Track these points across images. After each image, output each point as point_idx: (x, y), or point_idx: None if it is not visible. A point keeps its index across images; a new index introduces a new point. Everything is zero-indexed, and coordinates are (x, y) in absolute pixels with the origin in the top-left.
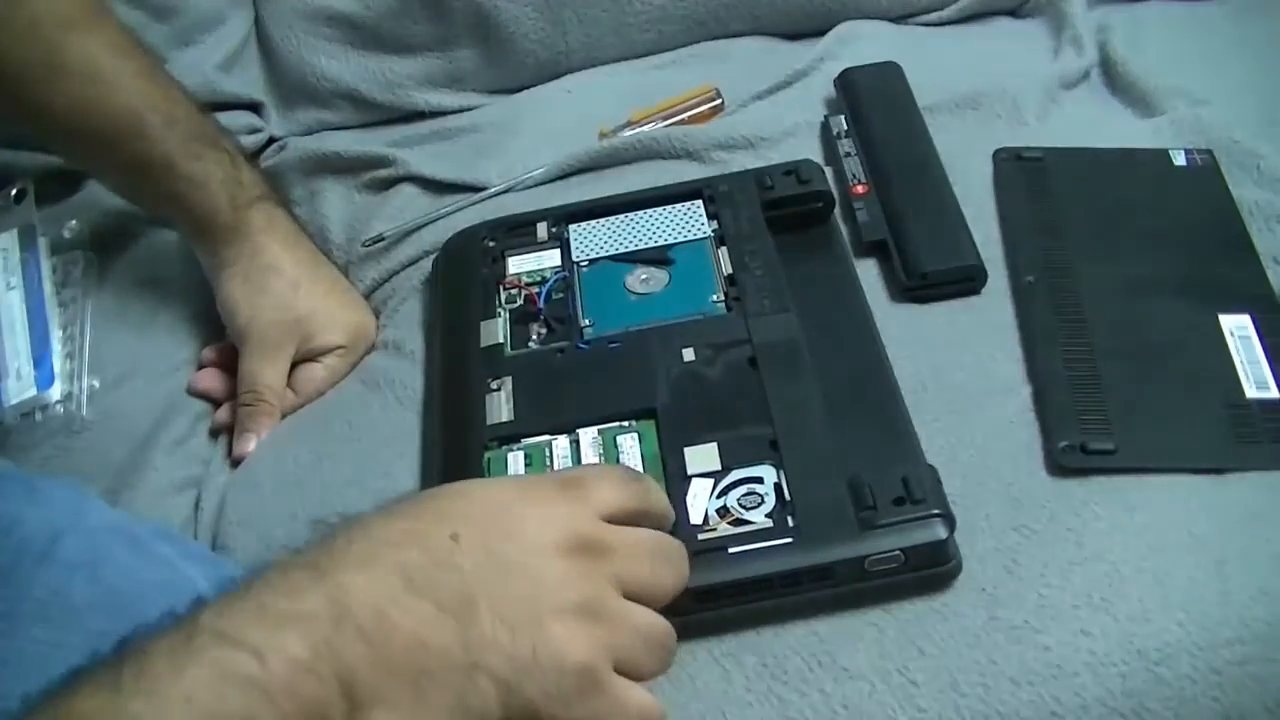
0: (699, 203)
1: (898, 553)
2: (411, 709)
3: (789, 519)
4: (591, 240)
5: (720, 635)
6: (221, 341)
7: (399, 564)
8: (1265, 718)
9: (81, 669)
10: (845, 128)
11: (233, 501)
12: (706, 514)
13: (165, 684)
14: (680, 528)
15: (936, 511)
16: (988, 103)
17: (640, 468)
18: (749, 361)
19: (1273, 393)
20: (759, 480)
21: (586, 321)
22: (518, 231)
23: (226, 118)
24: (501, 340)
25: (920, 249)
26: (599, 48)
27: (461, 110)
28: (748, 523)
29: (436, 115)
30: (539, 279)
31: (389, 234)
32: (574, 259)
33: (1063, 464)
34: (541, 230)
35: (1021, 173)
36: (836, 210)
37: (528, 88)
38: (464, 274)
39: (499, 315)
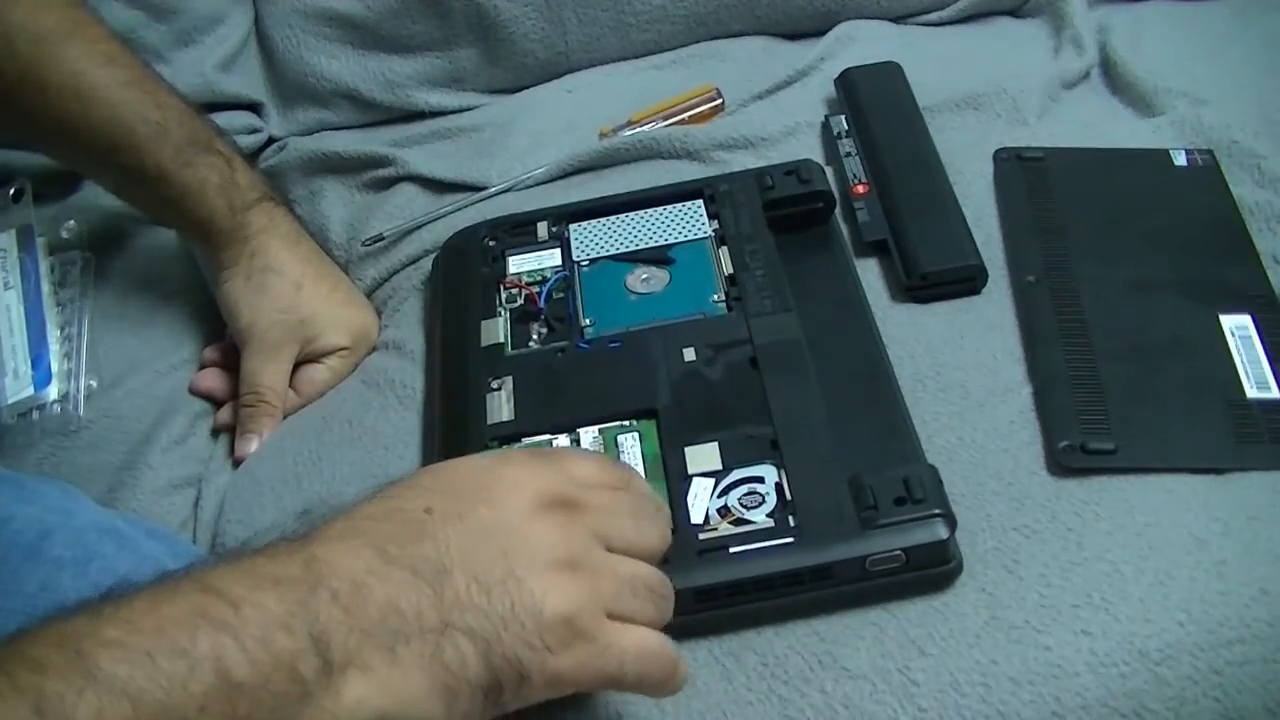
0: (699, 202)
1: (898, 552)
2: (387, 672)
3: (790, 519)
4: (592, 240)
5: (721, 635)
6: (221, 341)
7: (375, 537)
8: (1266, 718)
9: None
10: (845, 128)
11: (232, 501)
12: (707, 514)
13: (141, 616)
14: (681, 527)
15: (937, 511)
16: (988, 103)
17: (641, 467)
18: (750, 361)
19: (1273, 393)
20: (760, 480)
21: (587, 321)
22: (518, 231)
23: (226, 118)
24: (502, 340)
25: (921, 249)
26: (599, 48)
27: (462, 110)
28: (749, 522)
29: (437, 115)
30: (539, 278)
31: (389, 233)
32: (574, 258)
33: (1063, 464)
34: (542, 230)
35: (1022, 173)
36: (837, 210)
37: (528, 88)
38: (464, 273)
39: (499, 315)
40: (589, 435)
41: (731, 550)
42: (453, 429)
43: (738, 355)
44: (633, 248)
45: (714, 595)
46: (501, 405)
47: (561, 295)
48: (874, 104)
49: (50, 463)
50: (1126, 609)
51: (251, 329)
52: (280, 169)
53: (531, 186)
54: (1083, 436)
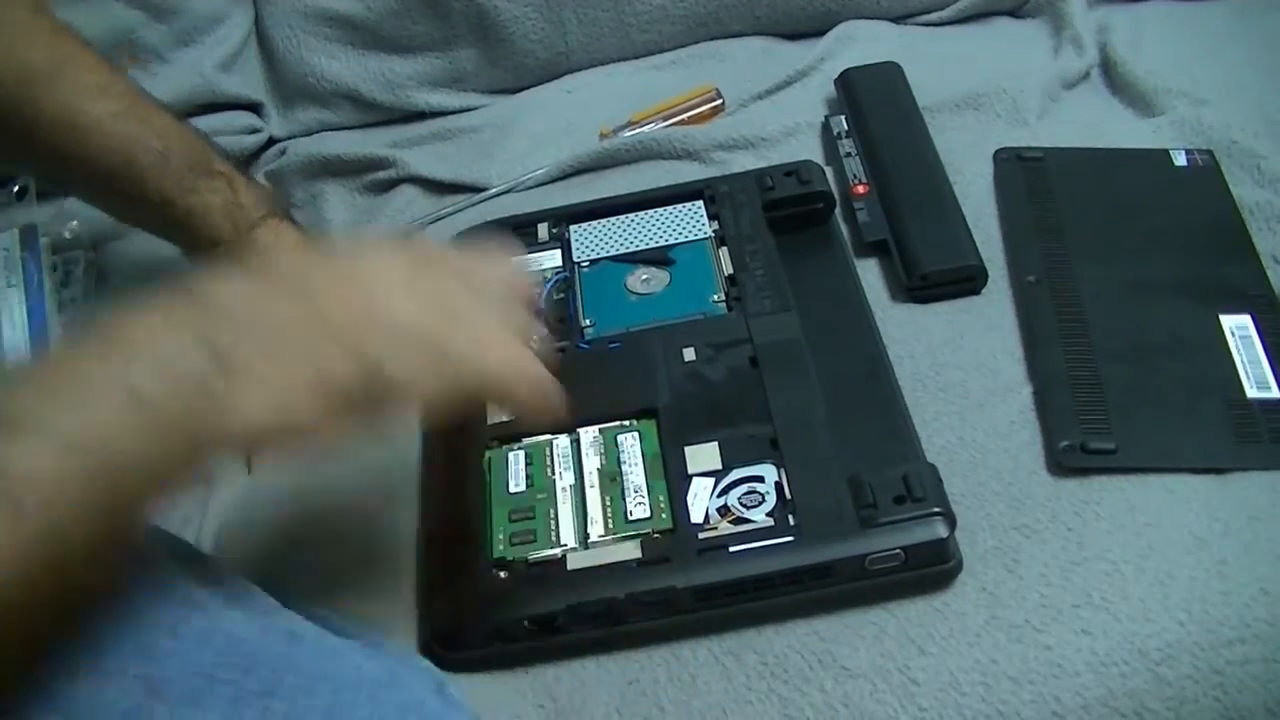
0: (699, 203)
1: (898, 551)
2: (276, 379)
3: (790, 518)
4: (592, 240)
5: (721, 634)
6: None
7: (258, 277)
8: (1266, 718)
9: None
10: (845, 128)
11: (234, 501)
12: (707, 513)
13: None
14: (681, 527)
15: (937, 510)
16: (988, 103)
17: (641, 467)
18: (750, 361)
19: (1273, 392)
20: (760, 479)
21: (587, 321)
22: (519, 232)
23: (226, 118)
24: None
25: (921, 249)
26: (599, 48)
27: (462, 111)
28: (749, 521)
29: (437, 116)
30: (540, 279)
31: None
32: (575, 259)
33: (1063, 463)
34: (542, 230)
35: (1022, 173)
36: (837, 210)
37: (528, 88)
38: None
39: None
40: (589, 435)
41: (731, 549)
42: (452, 429)
43: (738, 355)
44: (633, 248)
45: (714, 594)
46: None
47: (562, 296)
48: (874, 104)
49: None
50: (1127, 608)
51: None
52: (281, 173)
53: (532, 187)
54: (1083, 436)
